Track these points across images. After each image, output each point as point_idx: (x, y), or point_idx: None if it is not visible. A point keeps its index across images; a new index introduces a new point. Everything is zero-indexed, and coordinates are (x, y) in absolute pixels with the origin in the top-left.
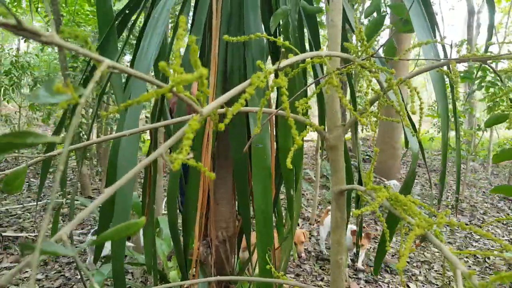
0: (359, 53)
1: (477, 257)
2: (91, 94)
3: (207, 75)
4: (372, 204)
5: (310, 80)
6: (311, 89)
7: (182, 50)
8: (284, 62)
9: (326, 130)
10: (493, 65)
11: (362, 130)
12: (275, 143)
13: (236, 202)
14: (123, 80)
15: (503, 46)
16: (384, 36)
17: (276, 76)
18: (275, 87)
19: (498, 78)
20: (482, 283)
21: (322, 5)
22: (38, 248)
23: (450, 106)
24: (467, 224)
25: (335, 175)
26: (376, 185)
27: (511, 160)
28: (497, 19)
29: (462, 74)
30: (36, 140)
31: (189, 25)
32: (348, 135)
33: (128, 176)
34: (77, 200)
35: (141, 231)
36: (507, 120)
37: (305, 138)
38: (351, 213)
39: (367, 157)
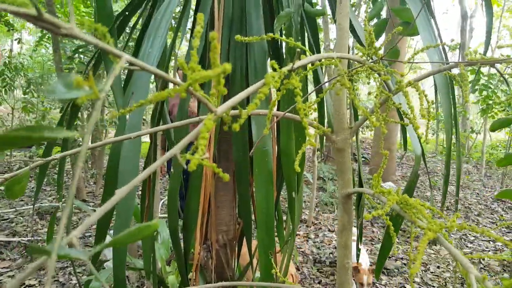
0: (368, 56)
1: (472, 258)
2: (107, 91)
3: (229, 71)
4: (382, 208)
5: (308, 85)
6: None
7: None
8: (298, 63)
9: (332, 133)
10: (487, 69)
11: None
12: (276, 147)
13: (237, 205)
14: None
15: (495, 50)
16: (379, 39)
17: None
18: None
19: (491, 82)
20: None
21: (319, 8)
22: (55, 250)
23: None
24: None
25: (342, 178)
26: (384, 188)
27: None
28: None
29: (460, 77)
30: (52, 134)
31: (188, 28)
32: None
33: (143, 176)
34: (73, 204)
35: None
36: None
37: None
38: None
39: (363, 159)
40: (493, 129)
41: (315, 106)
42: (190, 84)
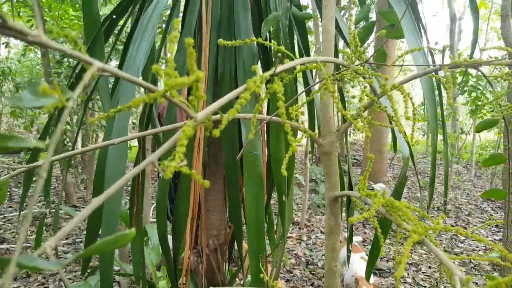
0: (353, 59)
1: (456, 260)
2: (76, 100)
3: (202, 79)
4: (368, 211)
5: (299, 86)
6: (300, 96)
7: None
8: (280, 67)
9: (319, 136)
10: (475, 71)
11: (349, 134)
12: (266, 150)
13: (227, 209)
14: (109, 86)
15: (482, 52)
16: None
17: (267, 82)
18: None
19: (480, 83)
20: None
21: (310, 11)
22: (13, 263)
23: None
24: (452, 226)
25: (329, 181)
26: (370, 191)
27: (499, 164)
28: None
29: (445, 79)
30: (17, 144)
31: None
32: None
33: (118, 185)
34: (61, 210)
35: None
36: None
37: None
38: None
39: (354, 160)
40: (478, 130)
41: (304, 109)
42: (166, 90)
